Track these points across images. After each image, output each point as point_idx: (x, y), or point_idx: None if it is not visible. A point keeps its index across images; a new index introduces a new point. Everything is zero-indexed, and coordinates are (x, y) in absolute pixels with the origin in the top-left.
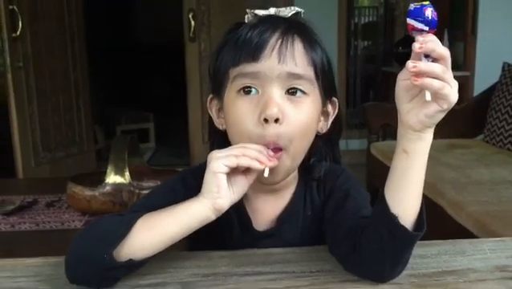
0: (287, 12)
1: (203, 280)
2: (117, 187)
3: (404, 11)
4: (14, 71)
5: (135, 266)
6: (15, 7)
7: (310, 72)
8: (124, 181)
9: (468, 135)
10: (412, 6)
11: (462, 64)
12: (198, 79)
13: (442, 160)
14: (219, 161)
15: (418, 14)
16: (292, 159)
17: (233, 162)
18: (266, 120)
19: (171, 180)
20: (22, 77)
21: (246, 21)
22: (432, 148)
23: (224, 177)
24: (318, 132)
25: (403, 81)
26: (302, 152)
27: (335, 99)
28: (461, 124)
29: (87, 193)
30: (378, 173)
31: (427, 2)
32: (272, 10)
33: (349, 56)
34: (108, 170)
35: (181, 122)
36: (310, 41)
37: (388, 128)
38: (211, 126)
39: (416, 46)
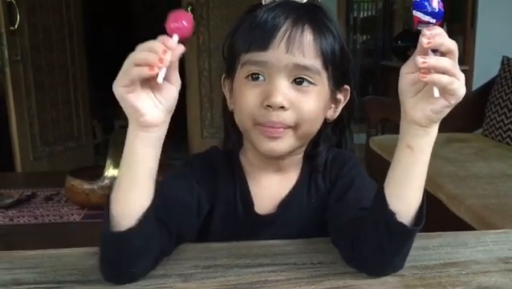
0: None
1: (204, 272)
2: None
3: (403, 5)
4: (12, 64)
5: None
6: (13, 0)
7: (317, 63)
8: None
9: (467, 129)
10: None
11: (461, 58)
12: (197, 73)
13: (441, 154)
14: (115, 85)
15: (424, 6)
16: (297, 138)
17: (126, 80)
18: (269, 106)
19: (177, 166)
20: (20, 71)
21: (263, 2)
22: None
23: (132, 96)
24: (327, 120)
25: (407, 75)
26: (310, 135)
27: (346, 86)
28: (460, 117)
29: (86, 186)
30: (377, 167)
31: None
32: None
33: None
34: (107, 164)
35: (180, 116)
36: (322, 29)
37: (386, 122)
38: (224, 107)
39: (424, 41)
